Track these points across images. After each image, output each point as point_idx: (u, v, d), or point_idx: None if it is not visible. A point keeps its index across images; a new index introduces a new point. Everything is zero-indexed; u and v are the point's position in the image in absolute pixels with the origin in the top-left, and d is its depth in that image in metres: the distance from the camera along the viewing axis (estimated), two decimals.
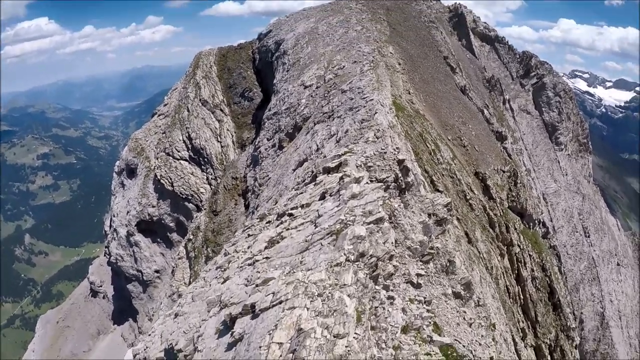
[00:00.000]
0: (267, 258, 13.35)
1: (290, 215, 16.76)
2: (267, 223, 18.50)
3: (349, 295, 10.08)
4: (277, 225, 16.51)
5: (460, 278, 17.08)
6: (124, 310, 74.58)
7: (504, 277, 39.93)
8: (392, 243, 13.52)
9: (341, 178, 16.92)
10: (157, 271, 68.00)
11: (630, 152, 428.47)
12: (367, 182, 17.09)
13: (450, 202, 21.06)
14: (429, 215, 19.57)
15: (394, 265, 12.58)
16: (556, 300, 48.96)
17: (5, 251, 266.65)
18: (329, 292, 10.01)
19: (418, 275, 13.47)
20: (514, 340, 32.27)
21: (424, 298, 12.82)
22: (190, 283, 51.50)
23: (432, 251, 15.82)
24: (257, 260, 13.49)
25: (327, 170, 19.30)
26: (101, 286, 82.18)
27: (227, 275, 14.10)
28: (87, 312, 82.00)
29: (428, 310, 12.47)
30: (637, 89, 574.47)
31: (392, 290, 12.23)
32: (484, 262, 35.69)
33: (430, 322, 11.65)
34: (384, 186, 16.70)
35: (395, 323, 11.04)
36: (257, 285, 11.37)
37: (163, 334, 14.03)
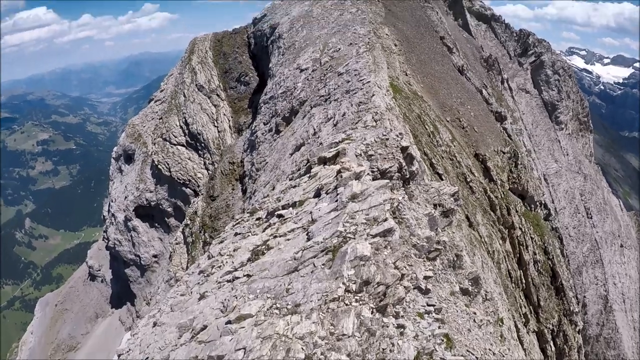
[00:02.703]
0: (248, 276, 11.05)
1: (280, 216, 14.65)
2: (256, 220, 16.75)
3: (349, 355, 7.88)
4: (265, 229, 14.50)
5: (467, 273, 15.73)
6: (122, 294, 74.92)
7: (505, 261, 39.63)
8: (404, 256, 11.15)
9: (339, 172, 14.87)
10: (154, 256, 68.05)
11: (630, 130, 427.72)
12: (368, 175, 15.37)
13: (457, 191, 19.59)
14: (435, 206, 18.04)
15: (404, 287, 10.01)
16: (559, 284, 48.64)
17: (6, 235, 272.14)
18: (321, 354, 7.77)
19: (426, 278, 11.21)
20: (516, 326, 32.03)
21: (434, 306, 10.58)
22: (187, 269, 51.39)
23: (439, 247, 13.65)
24: (236, 278, 11.28)
25: (323, 161, 17.50)
26: (99, 270, 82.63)
27: (205, 290, 12.17)
28: (85, 296, 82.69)
29: (437, 320, 10.45)
30: (636, 64, 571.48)
31: (402, 317, 9.79)
32: (485, 247, 35.35)
33: (442, 339, 9.80)
34: (390, 183, 14.21)
35: (407, 358, 9.01)
36: (230, 322, 9.30)
37: (142, 342, 12.57)
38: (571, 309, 49.59)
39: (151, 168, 65.15)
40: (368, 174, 15.61)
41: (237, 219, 19.11)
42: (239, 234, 16.37)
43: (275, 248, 12.18)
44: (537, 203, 54.63)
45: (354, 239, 10.53)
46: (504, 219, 44.09)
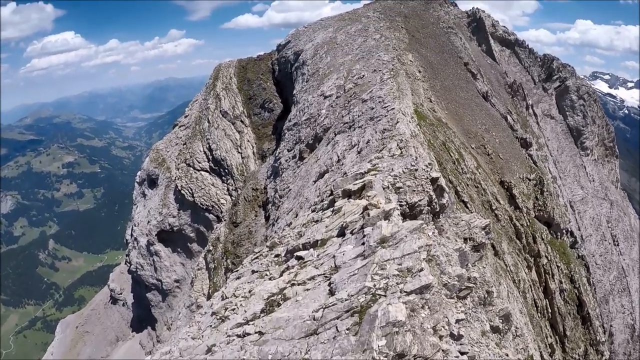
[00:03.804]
0: (260, 333, 9.73)
1: (300, 258, 13.29)
2: (275, 257, 15.72)
3: None
4: (282, 272, 13.27)
5: (498, 310, 14.86)
6: (143, 319, 74.92)
7: (531, 290, 38.86)
8: (443, 316, 9.72)
9: (365, 209, 13.46)
10: (176, 281, 68.11)
11: None
12: (397, 211, 13.93)
13: (488, 224, 18.66)
14: (465, 240, 17.16)
15: (443, 351, 8.78)
16: (585, 313, 47.53)
17: (29, 255, 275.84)
18: None
19: (458, 321, 10.21)
20: (542, 356, 31.18)
21: (467, 354, 9.57)
22: (209, 295, 51.28)
23: (471, 284, 12.60)
24: (247, 334, 9.94)
25: (348, 194, 16.02)
26: (121, 294, 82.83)
27: (213, 343, 10.81)
28: (106, 319, 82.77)
29: None
30: None
31: None
32: (510, 276, 34.70)
33: None
34: (423, 225, 12.65)
35: None
36: None
37: None
38: (597, 338, 48.36)
39: (174, 193, 65.60)
40: (397, 210, 14.28)
41: (256, 253, 18.14)
42: (256, 271, 15.46)
43: (293, 299, 10.84)
44: (563, 230, 53.73)
45: (385, 296, 9.10)
46: (529, 247, 43.39)
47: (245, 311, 11.63)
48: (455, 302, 11.59)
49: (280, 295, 11.41)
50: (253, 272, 15.47)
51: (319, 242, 13.72)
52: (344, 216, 14.21)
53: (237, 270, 17.60)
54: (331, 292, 10.12)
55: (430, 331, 8.81)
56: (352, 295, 9.25)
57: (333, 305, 9.21)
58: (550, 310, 42.15)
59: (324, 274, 11.29)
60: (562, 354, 41.20)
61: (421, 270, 9.97)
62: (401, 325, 8.05)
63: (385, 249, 10.93)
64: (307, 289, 10.97)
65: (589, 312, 48.02)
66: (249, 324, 10.58)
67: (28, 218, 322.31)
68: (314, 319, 9.08)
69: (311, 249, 13.48)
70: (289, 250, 14.74)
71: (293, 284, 11.57)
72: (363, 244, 11.53)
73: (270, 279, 13.51)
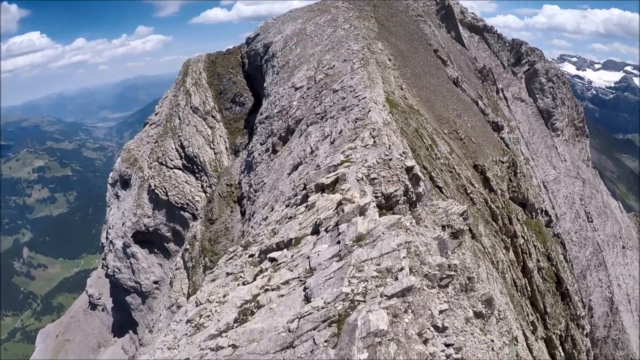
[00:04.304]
0: (234, 347, 9.12)
1: (273, 260, 12.75)
2: (249, 257, 15.18)
3: None
4: (256, 276, 12.75)
5: (480, 295, 14.63)
6: (124, 323, 73.82)
7: (510, 270, 39.24)
8: (429, 322, 9.19)
9: (339, 204, 12.89)
10: (155, 282, 67.15)
11: (624, 132, 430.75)
12: (374, 208, 13.36)
13: (466, 210, 18.46)
14: (443, 227, 16.87)
15: (430, 354, 8.34)
16: (564, 290, 48.32)
17: (4, 265, 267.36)
18: None
19: (442, 312, 9.82)
20: (524, 335, 31.57)
21: (452, 346, 9.26)
22: (189, 294, 50.69)
23: (451, 272, 12.28)
24: (220, 347, 9.32)
25: (321, 188, 15.40)
26: (100, 299, 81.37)
27: (187, 355, 10.32)
28: (87, 325, 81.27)
29: None
30: (626, 68, 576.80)
31: None
32: (489, 257, 34.97)
33: None
34: (402, 218, 12.07)
35: None
36: None
37: None
38: (578, 313, 49.21)
39: (148, 193, 64.52)
40: (373, 204, 13.73)
41: (231, 252, 17.64)
42: (231, 273, 14.90)
43: (267, 307, 10.22)
44: (538, 210, 54.42)
45: (364, 302, 8.43)
46: (506, 229, 43.85)
47: (219, 320, 11.08)
48: (438, 293, 11.21)
49: (253, 303, 10.83)
50: (227, 274, 15.00)
51: (293, 240, 13.17)
52: (317, 212, 13.67)
53: (212, 272, 17.16)
54: (307, 299, 9.57)
55: (416, 337, 8.25)
56: (328, 303, 8.62)
57: (309, 314, 8.59)
58: (529, 289, 42.69)
59: (298, 277, 10.67)
60: (544, 330, 41.84)
61: (401, 269, 9.34)
62: (383, 334, 7.51)
63: (362, 247, 10.31)
64: (282, 295, 10.40)
65: (568, 288, 48.81)
66: (222, 336, 10.01)
67: (1, 226, 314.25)
68: (289, 331, 8.45)
69: (285, 250, 12.95)
70: (262, 250, 14.24)
71: (267, 290, 10.98)
72: (338, 242, 10.95)
73: (244, 283, 13.01)
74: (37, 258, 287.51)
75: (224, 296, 12.77)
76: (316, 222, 12.95)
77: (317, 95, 39.13)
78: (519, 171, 51.86)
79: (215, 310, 12.31)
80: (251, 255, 15.44)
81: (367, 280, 9.04)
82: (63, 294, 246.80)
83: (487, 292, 15.02)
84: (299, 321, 8.50)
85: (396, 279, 9.05)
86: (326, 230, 12.23)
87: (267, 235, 16.59)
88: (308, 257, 11.13)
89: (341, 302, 8.51)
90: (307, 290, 9.72)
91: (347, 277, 9.24)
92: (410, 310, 8.68)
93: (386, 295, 8.62)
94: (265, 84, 52.59)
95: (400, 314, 8.38)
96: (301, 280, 10.45)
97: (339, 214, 12.27)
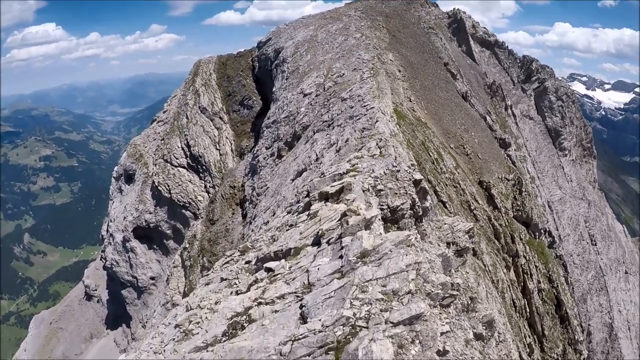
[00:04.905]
0: None
1: (270, 270, 12.07)
2: (245, 264, 14.68)
3: None
4: (250, 285, 12.12)
5: (482, 316, 13.88)
6: (118, 316, 73.90)
7: (509, 290, 38.87)
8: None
9: (344, 214, 11.98)
10: (152, 278, 67.20)
11: (632, 155, 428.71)
12: (380, 222, 12.43)
13: (472, 228, 17.79)
14: (448, 244, 16.30)
15: None
16: (563, 313, 47.85)
17: (4, 249, 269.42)
18: None
19: (443, 334, 8.79)
20: (520, 357, 31.19)
21: None
22: (184, 293, 50.55)
23: (455, 292, 10.98)
24: None
25: (325, 197, 14.70)
26: (96, 290, 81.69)
27: None
28: (81, 315, 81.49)
29: None
30: (636, 90, 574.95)
31: None
32: (489, 276, 34.67)
33: None
34: (410, 235, 10.85)
35: None
36: None
37: None
38: (576, 337, 48.70)
39: (151, 189, 64.66)
40: (379, 218, 12.76)
41: (228, 256, 17.16)
42: (225, 279, 14.39)
43: (259, 323, 9.50)
44: (542, 230, 54.01)
45: (367, 328, 7.63)
46: (508, 247, 43.47)
47: (207, 331, 10.52)
48: (440, 313, 10.68)
49: (245, 317, 10.12)
50: (222, 279, 14.57)
51: (292, 250, 12.57)
52: (320, 222, 12.95)
53: (207, 275, 16.68)
54: (303, 318, 8.79)
55: None
56: (327, 326, 7.85)
57: (304, 337, 7.84)
58: (528, 310, 42.29)
59: (295, 293, 9.89)
60: (540, 353, 41.38)
61: (409, 293, 8.51)
62: None
63: (366, 265, 9.51)
64: (276, 311, 9.68)
65: (567, 312, 48.35)
66: (208, 350, 9.50)
67: (3, 211, 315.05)
68: (281, 354, 7.71)
69: (282, 260, 12.38)
70: (259, 258, 13.68)
71: (260, 303, 10.25)
72: (341, 257, 10.13)
73: (237, 292, 12.43)
74: (37, 245, 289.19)
75: (216, 303, 12.38)
76: (318, 232, 12.24)
77: (325, 103, 39.05)
78: (524, 190, 51.55)
79: (205, 318, 11.91)
80: (248, 262, 14.96)
81: (371, 303, 8.25)
82: (60, 282, 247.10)
83: (488, 314, 14.53)
84: (292, 344, 7.81)
85: (403, 303, 8.25)
86: (328, 243, 11.48)
87: (265, 242, 16.12)
88: (307, 271, 10.41)
89: (341, 326, 7.77)
90: (303, 309, 8.96)
91: (349, 298, 8.48)
92: (418, 341, 7.62)
93: (392, 322, 7.79)
94: (274, 89, 52.61)
95: (406, 345, 7.45)
96: (298, 296, 9.72)
97: (343, 226, 11.47)
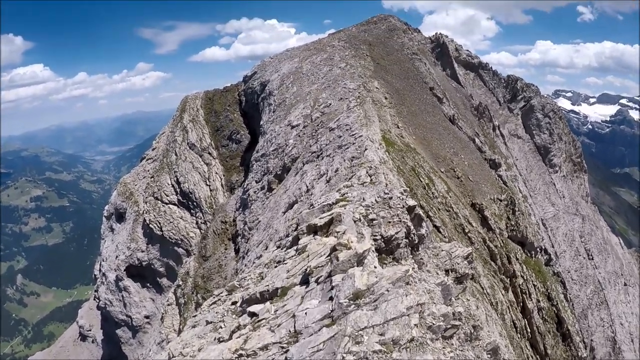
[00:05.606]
0: None
1: (253, 315, 11.03)
2: (232, 305, 13.74)
3: None
4: (232, 332, 11.01)
5: (486, 344, 13.27)
6: (113, 356, 72.41)
7: (509, 311, 38.42)
8: None
9: (333, 249, 11.05)
10: (146, 317, 66.02)
11: (621, 166, 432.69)
12: (374, 256, 11.66)
13: (471, 253, 17.34)
14: (447, 272, 15.78)
15: None
16: (565, 330, 47.30)
17: None
18: None
19: None
20: None
21: None
22: (179, 331, 49.59)
23: (457, 322, 10.64)
24: None
25: (314, 229, 13.76)
26: (90, 330, 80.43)
27: None
28: (75, 356, 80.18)
29: None
30: (621, 101, 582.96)
31: None
32: (488, 298, 34.26)
33: None
34: (409, 270, 10.11)
35: None
36: None
37: None
38: (579, 354, 48.07)
39: (143, 227, 63.97)
40: (373, 251, 11.90)
41: (216, 296, 16.26)
42: (210, 322, 13.45)
43: None
44: (537, 249, 53.76)
45: None
46: (504, 268, 43.15)
47: None
48: (443, 347, 9.81)
49: None
50: (207, 322, 13.64)
51: (279, 290, 11.63)
52: (308, 258, 12.05)
53: (195, 316, 15.73)
54: None
55: None
56: None
57: None
58: (529, 330, 41.77)
59: (280, 343, 8.81)
60: None
61: (412, 340, 7.47)
62: None
63: (360, 309, 8.51)
64: None
65: (569, 329, 47.82)
66: None
67: None
68: None
69: (267, 303, 11.36)
70: (244, 299, 12.75)
71: (241, 355, 9.10)
72: (331, 298, 9.18)
73: (219, 339, 11.44)
74: (31, 286, 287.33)
75: (199, 350, 11.37)
76: (306, 270, 11.25)
77: (313, 134, 39.05)
78: (517, 209, 51.44)
79: None
80: (234, 303, 13.89)
81: (367, 358, 7.38)
82: (54, 323, 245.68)
83: (492, 341, 13.98)
84: None
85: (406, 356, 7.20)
86: (317, 282, 10.41)
87: (253, 280, 15.12)
88: (294, 316, 9.30)
89: None
90: None
91: (341, 352, 7.45)
92: None
93: None
94: (261, 122, 52.67)
95: None
96: (283, 347, 8.65)
97: (333, 262, 10.41)
